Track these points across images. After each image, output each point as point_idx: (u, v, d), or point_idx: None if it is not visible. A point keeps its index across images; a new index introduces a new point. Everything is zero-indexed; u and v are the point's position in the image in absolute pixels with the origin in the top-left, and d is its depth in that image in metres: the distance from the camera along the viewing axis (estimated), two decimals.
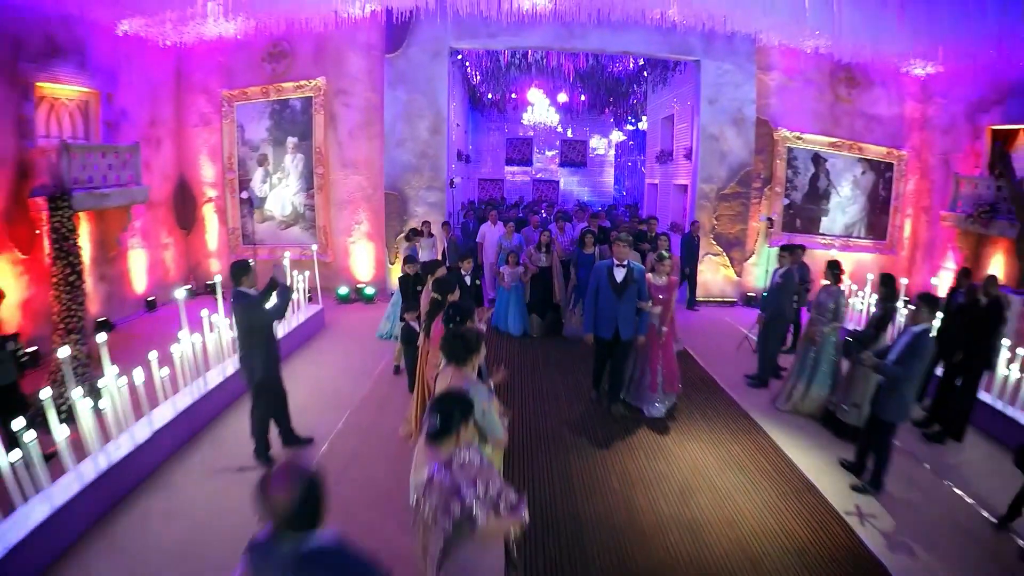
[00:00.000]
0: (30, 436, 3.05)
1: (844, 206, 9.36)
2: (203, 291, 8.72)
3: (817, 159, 9.10)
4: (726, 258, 8.59)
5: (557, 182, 16.68)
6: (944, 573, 3.03)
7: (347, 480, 3.65)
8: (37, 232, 6.36)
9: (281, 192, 8.50)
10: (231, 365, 4.84)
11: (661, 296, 4.62)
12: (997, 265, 7.93)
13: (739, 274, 8.70)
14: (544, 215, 8.95)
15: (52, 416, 3.30)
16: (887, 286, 4.34)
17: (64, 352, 3.52)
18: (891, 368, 3.63)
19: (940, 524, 3.48)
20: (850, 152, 9.21)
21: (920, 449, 4.45)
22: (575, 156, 16.53)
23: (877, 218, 9.58)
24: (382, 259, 8.42)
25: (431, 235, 7.23)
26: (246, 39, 7.94)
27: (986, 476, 4.03)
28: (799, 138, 8.88)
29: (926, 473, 4.11)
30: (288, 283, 4.43)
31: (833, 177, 9.23)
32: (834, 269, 4.65)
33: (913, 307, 3.75)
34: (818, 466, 4.04)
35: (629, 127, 15.29)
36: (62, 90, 6.88)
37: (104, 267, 7.44)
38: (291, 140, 8.37)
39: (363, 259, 8.48)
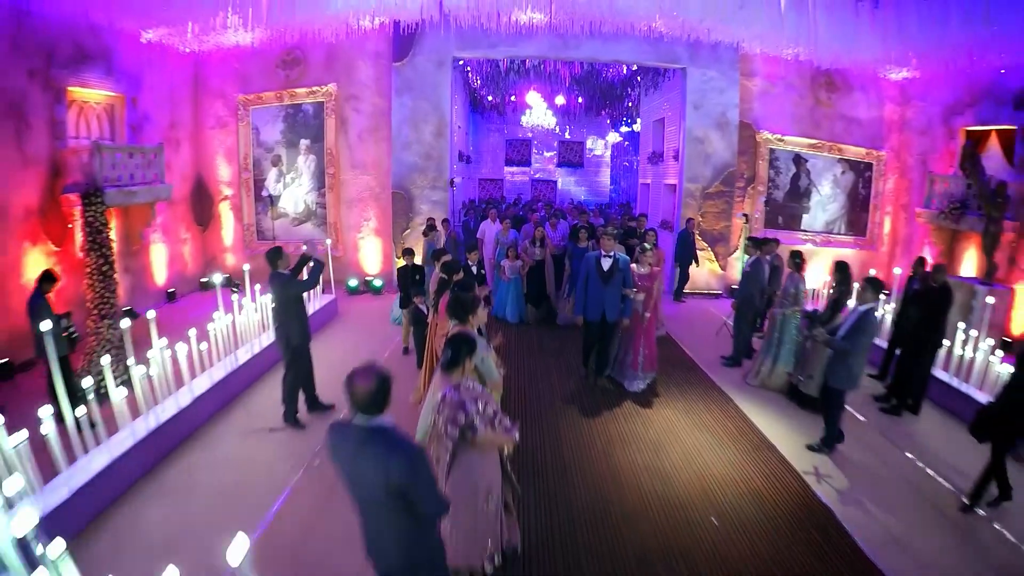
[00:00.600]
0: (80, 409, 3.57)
1: (825, 204, 9.89)
2: (221, 283, 9.26)
3: (798, 159, 9.63)
4: (711, 252, 9.12)
5: (555, 182, 17.22)
6: (889, 521, 3.48)
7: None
8: (69, 226, 6.88)
9: (294, 191, 9.03)
10: (258, 344, 5.37)
11: (644, 284, 5.14)
12: (969, 259, 8.43)
13: (723, 268, 9.23)
14: (542, 213, 9.49)
15: (110, 381, 3.83)
16: (842, 272, 4.87)
17: (125, 323, 4.05)
18: (839, 342, 4.15)
19: (890, 482, 3.95)
20: (830, 153, 9.74)
21: (879, 421, 4.96)
22: (572, 157, 17.08)
23: (857, 215, 10.11)
24: (389, 253, 8.96)
25: (436, 230, 7.79)
26: (261, 47, 8.47)
27: (938, 444, 4.51)
28: (780, 140, 9.41)
29: (882, 441, 4.60)
30: (323, 260, 4.94)
31: (814, 177, 9.76)
32: (796, 259, 5.18)
33: (861, 289, 4.28)
34: (780, 431, 4.56)
35: (625, 129, 15.83)
36: (91, 94, 7.40)
37: (128, 260, 7.96)
38: (304, 142, 8.91)
39: (371, 253, 9.02)
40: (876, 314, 4.16)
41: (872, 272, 5.51)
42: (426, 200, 8.74)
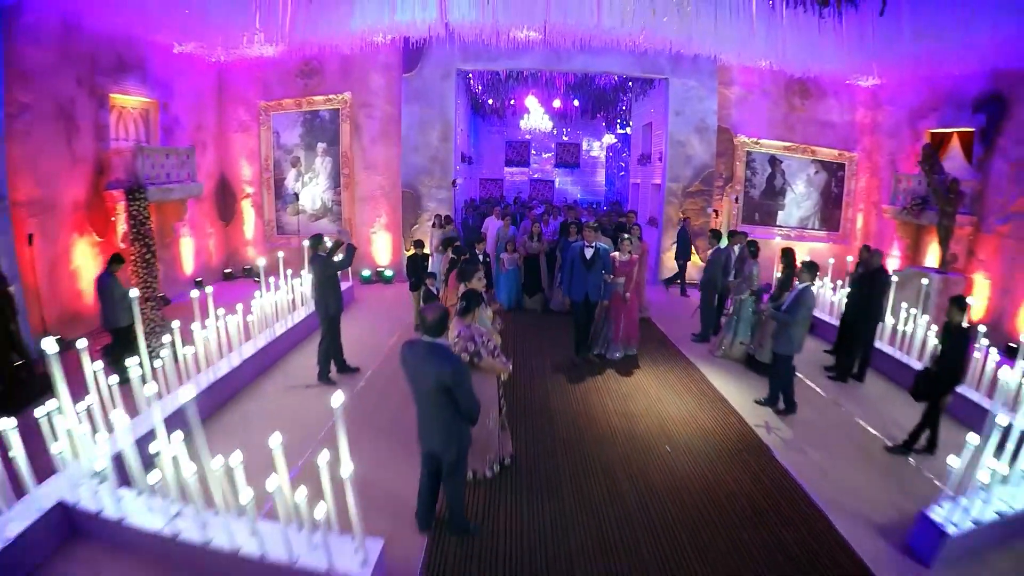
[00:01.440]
0: (134, 368, 4.47)
1: (799, 201, 10.79)
2: (241, 275, 10.18)
3: (774, 161, 10.54)
4: (692, 246, 10.02)
5: (553, 182, 18.14)
6: (820, 457, 4.29)
7: (385, 390, 5.07)
8: (112, 219, 7.78)
9: (312, 189, 9.95)
10: (291, 320, 6.30)
11: (624, 269, 6.03)
12: (932, 250, 9.28)
13: (703, 259, 10.12)
14: (541, 210, 10.39)
15: (178, 344, 4.73)
16: (787, 258, 5.77)
17: (195, 294, 4.96)
18: (782, 315, 5.04)
19: (827, 431, 4.74)
20: (804, 155, 10.64)
21: (828, 387, 5.80)
22: (569, 158, 17.98)
23: (831, 212, 11.00)
24: (399, 246, 9.87)
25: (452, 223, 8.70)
26: (281, 58, 9.38)
27: (876, 404, 5.32)
28: (757, 143, 10.32)
29: (828, 402, 5.40)
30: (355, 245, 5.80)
31: (789, 176, 10.66)
32: (751, 247, 6.08)
33: (799, 271, 5.17)
34: (733, 390, 5.46)
35: (619, 131, 16.72)
36: (129, 100, 8.30)
37: (161, 251, 8.86)
38: (321, 145, 9.82)
39: (383, 246, 9.93)
40: (812, 290, 5.04)
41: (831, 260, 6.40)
42: (432, 198, 9.66)
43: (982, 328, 5.26)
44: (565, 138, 17.66)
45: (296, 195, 9.70)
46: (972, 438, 3.32)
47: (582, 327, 6.09)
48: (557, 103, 15.05)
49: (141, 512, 3.11)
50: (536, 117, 14.00)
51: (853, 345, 6.08)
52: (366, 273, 9.72)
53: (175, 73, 8.98)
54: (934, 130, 9.44)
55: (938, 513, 3.33)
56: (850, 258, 7.83)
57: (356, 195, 9.85)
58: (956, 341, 4.32)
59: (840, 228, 11.06)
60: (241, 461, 2.69)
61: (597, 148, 18.02)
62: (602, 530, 3.33)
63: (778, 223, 10.71)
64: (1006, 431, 3.42)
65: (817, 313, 7.68)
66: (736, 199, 10.17)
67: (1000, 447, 3.43)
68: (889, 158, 10.26)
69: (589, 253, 5.81)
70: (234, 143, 10.12)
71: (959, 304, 4.39)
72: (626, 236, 6.22)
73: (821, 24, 8.02)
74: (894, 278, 6.59)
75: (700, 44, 8.47)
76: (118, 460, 3.24)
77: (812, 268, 5.14)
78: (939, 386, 4.32)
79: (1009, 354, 6.51)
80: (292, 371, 5.62)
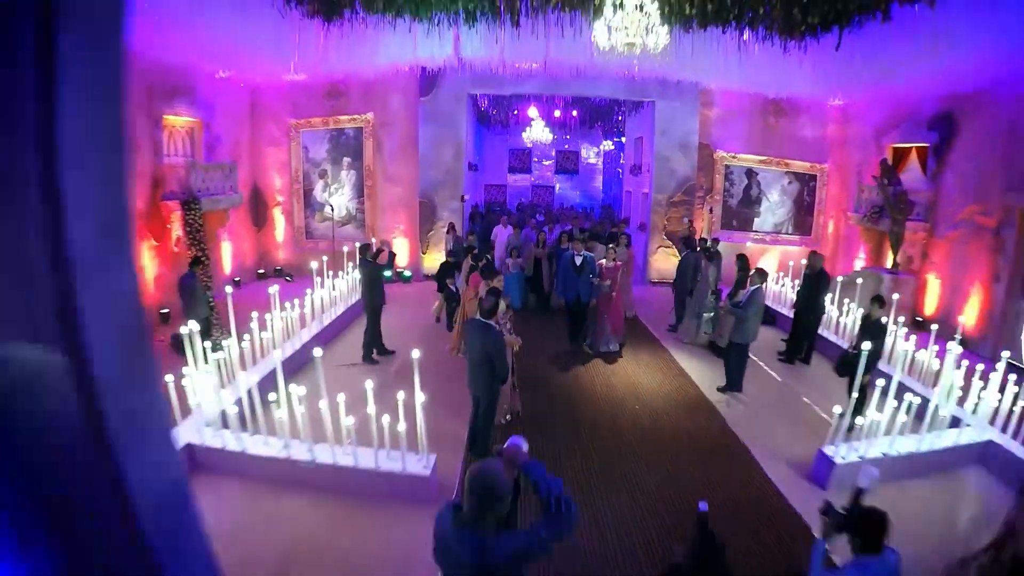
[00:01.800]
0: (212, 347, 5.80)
1: (774, 209, 12.12)
2: (273, 275, 11.51)
3: (750, 173, 11.87)
4: (675, 249, 11.36)
5: (553, 187, 19.49)
6: (754, 413, 5.67)
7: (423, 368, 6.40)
8: (167, 226, 9.10)
9: (338, 199, 11.28)
10: (334, 312, 7.65)
11: (609, 274, 7.29)
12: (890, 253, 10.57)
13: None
14: (541, 218, 11.72)
15: (256, 330, 6.05)
16: (742, 262, 7.11)
17: (274, 288, 6.28)
18: (737, 311, 6.35)
19: (768, 399, 6.09)
20: (778, 167, 11.97)
21: (778, 368, 7.14)
22: (569, 165, 19.33)
23: (803, 218, 12.34)
24: (416, 250, 11.22)
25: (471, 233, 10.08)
26: (310, 81, 10.71)
27: (817, 382, 6.61)
28: (734, 157, 11.65)
29: (774, 379, 6.79)
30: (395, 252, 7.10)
31: (764, 187, 11.99)
32: (708, 251, 7.43)
33: (753, 274, 6.49)
34: (694, 368, 6.82)
35: (616, 139, 18.06)
36: (178, 120, 9.61)
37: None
38: (346, 159, 11.16)
39: (402, 250, 11.27)
40: (763, 291, 6.34)
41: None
42: (446, 208, 11.01)
43: (934, 326, 6.39)
44: (566, 147, 19.01)
45: (329, 205, 10.99)
46: (854, 395, 4.65)
47: (574, 322, 7.42)
48: (557, 113, 16.40)
49: (257, 445, 4.44)
50: (537, 130, 15.34)
51: (801, 333, 7.43)
52: (387, 274, 11.04)
53: (216, 95, 10.29)
54: (895, 145, 10.67)
55: (831, 449, 4.66)
56: (804, 260, 9.15)
57: (378, 204, 11.19)
58: (874, 331, 5.63)
59: (812, 233, 12.39)
60: (343, 399, 4.04)
61: (594, 155, 19.36)
62: (585, 459, 4.69)
63: (754, 228, 12.04)
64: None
65: (778, 307, 9.04)
66: (711, 210, 11.50)
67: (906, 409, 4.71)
68: (857, 169, 11.53)
69: (579, 260, 7.14)
70: (267, 156, 11.44)
71: (879, 302, 5.71)
72: (611, 246, 7.55)
73: (788, 55, 9.36)
74: (839, 279, 7.92)
75: (683, 72, 9.82)
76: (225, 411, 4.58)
77: (763, 273, 6.46)
78: (854, 368, 5.65)
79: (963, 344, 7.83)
80: (340, 352, 6.96)
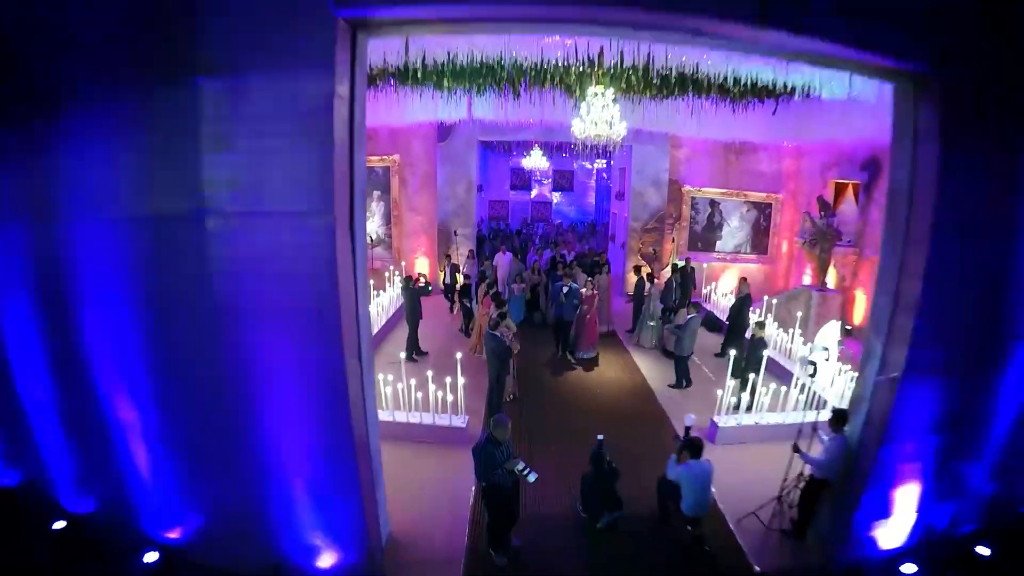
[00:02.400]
0: None
1: (734, 233, 14.93)
2: None
3: (713, 203, 14.67)
4: (649, 267, 14.20)
5: (550, 202, 22.33)
6: (681, 400, 8.57)
7: (446, 362, 9.25)
8: None
9: (370, 225, 14.12)
10: (379, 322, 10.51)
11: (587, 301, 10.05)
12: (831, 272, 13.35)
13: (657, 278, 14.29)
14: (537, 242, 14.57)
15: None
16: (676, 270, 9.94)
17: None
18: (676, 331, 9.17)
19: (698, 390, 8.95)
20: (738, 197, 14.76)
21: (712, 365, 9.98)
22: (564, 182, 22.16)
23: (760, 240, 15.15)
24: (435, 268, 14.07)
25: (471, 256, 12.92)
26: None
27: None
28: (699, 190, 14.45)
29: (706, 375, 9.62)
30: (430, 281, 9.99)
31: (725, 214, 14.80)
32: (683, 271, 10.27)
33: (689, 305, 9.33)
34: (645, 365, 9.69)
35: (608, 158, 20.84)
36: None
37: None
38: (376, 192, 13.98)
39: (422, 268, 14.13)
40: (697, 319, 9.13)
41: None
42: (459, 235, 13.87)
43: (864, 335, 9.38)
44: (562, 166, 21.81)
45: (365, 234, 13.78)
46: (731, 383, 7.52)
47: (561, 335, 10.27)
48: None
49: None
50: (536, 157, 18.17)
51: (731, 339, 10.28)
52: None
53: None
54: (837, 180, 13.46)
55: (717, 418, 7.52)
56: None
57: (403, 231, 14.03)
58: (756, 345, 8.47)
59: (768, 252, 15.22)
60: (412, 385, 6.93)
61: (588, 174, 22.18)
62: (558, 422, 7.58)
63: (716, 250, 14.87)
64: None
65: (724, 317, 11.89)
66: (673, 239, 14.35)
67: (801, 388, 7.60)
68: (807, 199, 14.31)
69: (565, 290, 9.95)
70: None
71: (760, 324, 8.55)
72: (588, 279, 10.38)
73: (738, 114, 12.15)
74: (775, 298, 10.75)
75: (653, 126, 12.62)
76: None
77: (696, 306, 9.32)
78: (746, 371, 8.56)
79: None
80: (387, 352, 9.81)
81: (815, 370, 6.25)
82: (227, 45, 3.88)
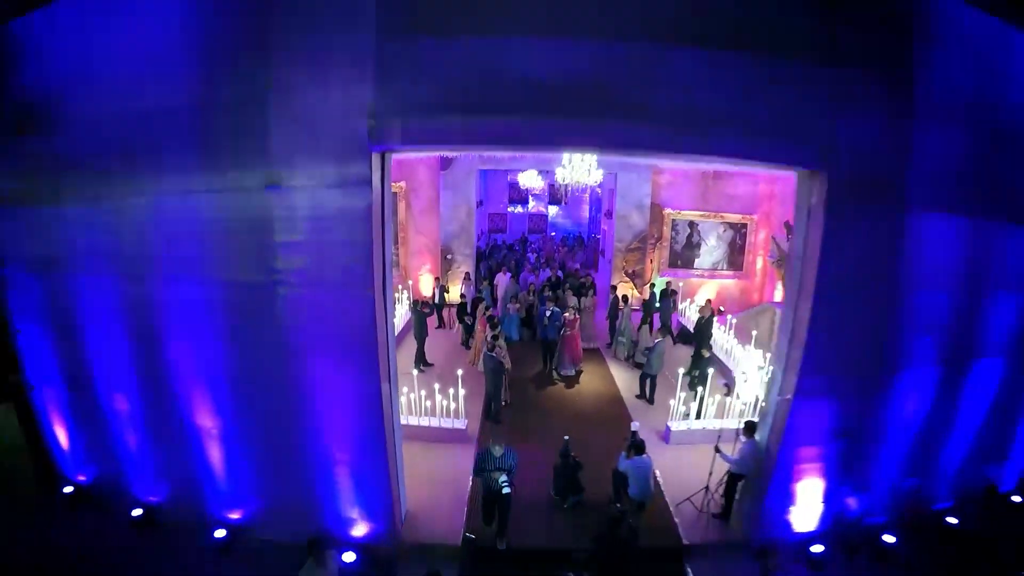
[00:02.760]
0: None
1: (712, 251, 16.62)
2: None
3: (692, 224, 16.35)
4: (632, 283, 15.92)
5: (546, 215, 24.04)
6: (643, 404, 10.37)
7: (449, 374, 11.00)
8: None
9: None
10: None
11: (569, 323, 11.76)
12: None
13: (641, 293, 16.03)
14: (532, 259, 16.26)
15: None
16: (665, 299, 11.66)
17: None
18: (646, 353, 10.91)
19: (661, 399, 10.75)
20: (715, 219, 16.44)
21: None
22: (559, 197, 23.84)
23: (736, 257, 16.83)
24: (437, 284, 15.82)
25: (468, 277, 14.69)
26: None
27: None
28: (679, 213, 16.13)
29: (672, 385, 11.38)
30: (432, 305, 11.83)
31: (703, 234, 16.48)
32: (665, 292, 12.01)
33: (658, 330, 11.07)
34: (619, 378, 11.45)
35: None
36: None
37: None
38: None
39: (427, 285, 15.87)
40: (666, 343, 10.86)
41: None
42: (460, 255, 15.60)
43: None
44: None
45: None
46: (681, 394, 9.28)
47: (548, 353, 12.00)
48: None
49: None
50: (531, 177, 19.86)
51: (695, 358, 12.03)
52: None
53: None
54: None
55: (671, 423, 9.28)
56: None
57: (409, 250, 15.76)
58: (704, 363, 10.23)
59: (743, 269, 16.92)
60: (423, 395, 8.71)
61: (581, 189, 23.83)
62: (541, 422, 9.35)
63: (695, 267, 16.58)
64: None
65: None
66: (651, 260, 16.08)
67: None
68: (781, 219, 15.98)
69: (548, 313, 11.67)
70: None
71: (708, 347, 10.30)
72: (571, 306, 12.09)
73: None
74: (738, 316, 12.50)
75: (634, 160, 14.30)
76: None
77: (665, 331, 11.05)
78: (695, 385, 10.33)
79: None
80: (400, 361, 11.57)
81: (729, 390, 7.98)
82: (292, 166, 5.64)
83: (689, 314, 14.64)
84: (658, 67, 5.43)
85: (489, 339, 9.29)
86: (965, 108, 6.36)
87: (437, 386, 8.85)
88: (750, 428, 7.06)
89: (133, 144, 6.14)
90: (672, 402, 9.26)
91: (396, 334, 12.27)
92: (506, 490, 6.49)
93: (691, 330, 13.67)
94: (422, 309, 11.24)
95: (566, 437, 7.46)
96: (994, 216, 6.91)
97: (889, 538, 7.39)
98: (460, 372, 8.86)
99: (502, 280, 14.25)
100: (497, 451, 6.59)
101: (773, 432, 6.90)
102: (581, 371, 11.52)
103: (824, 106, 5.77)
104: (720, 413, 9.25)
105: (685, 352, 12.50)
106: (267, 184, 5.72)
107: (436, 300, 13.79)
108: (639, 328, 12.27)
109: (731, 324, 12.71)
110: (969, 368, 7.42)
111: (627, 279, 16.04)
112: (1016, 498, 8.56)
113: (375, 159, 5.72)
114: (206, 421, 6.90)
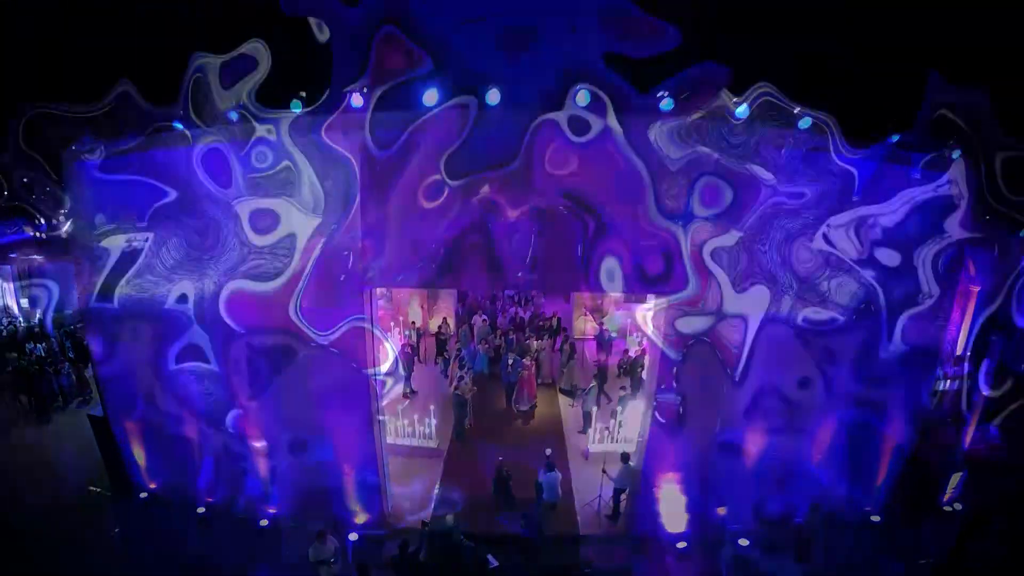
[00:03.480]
0: None
1: None
2: None
3: None
4: (590, 317, 19.35)
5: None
6: (582, 437, 13.96)
7: (427, 400, 14.55)
8: None
9: None
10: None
11: (528, 367, 15.19)
12: None
13: (600, 324, 19.46)
14: (509, 292, 19.82)
15: None
16: (602, 335, 15.15)
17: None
18: (581, 393, 14.43)
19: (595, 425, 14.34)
20: None
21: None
22: None
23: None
24: (426, 317, 19.30)
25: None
26: None
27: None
28: None
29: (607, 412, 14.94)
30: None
31: None
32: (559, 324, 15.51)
33: (596, 374, 14.58)
34: (563, 405, 15.02)
35: None
36: None
37: None
38: None
39: (416, 315, 19.36)
40: (595, 389, 14.37)
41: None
42: (448, 291, 19.12)
43: None
44: None
45: None
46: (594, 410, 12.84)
47: (509, 392, 15.43)
48: None
49: None
50: None
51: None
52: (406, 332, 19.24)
53: None
54: None
55: (591, 445, 12.84)
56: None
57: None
58: (623, 398, 13.74)
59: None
60: (408, 420, 12.33)
61: None
62: (498, 441, 12.92)
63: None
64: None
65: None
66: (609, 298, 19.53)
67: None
68: None
69: (511, 361, 15.14)
70: None
71: (622, 387, 13.83)
72: (532, 349, 15.57)
73: None
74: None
75: None
76: None
77: (601, 374, 14.56)
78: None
79: None
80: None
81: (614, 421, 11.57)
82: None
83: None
84: None
85: (456, 379, 12.82)
86: None
87: (416, 416, 12.44)
88: (624, 456, 10.61)
89: None
90: (590, 431, 12.86)
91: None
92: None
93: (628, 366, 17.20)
94: (407, 350, 14.84)
95: (500, 458, 11.02)
96: None
97: (744, 541, 10.73)
98: (432, 407, 12.43)
99: (478, 321, 17.81)
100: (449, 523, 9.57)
101: (640, 457, 10.47)
102: (535, 406, 15.04)
103: None
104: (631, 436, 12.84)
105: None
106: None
107: (413, 340, 17.23)
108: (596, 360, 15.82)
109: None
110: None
111: (587, 314, 19.52)
112: None
113: (367, 295, 9.28)
114: (255, 440, 10.54)
